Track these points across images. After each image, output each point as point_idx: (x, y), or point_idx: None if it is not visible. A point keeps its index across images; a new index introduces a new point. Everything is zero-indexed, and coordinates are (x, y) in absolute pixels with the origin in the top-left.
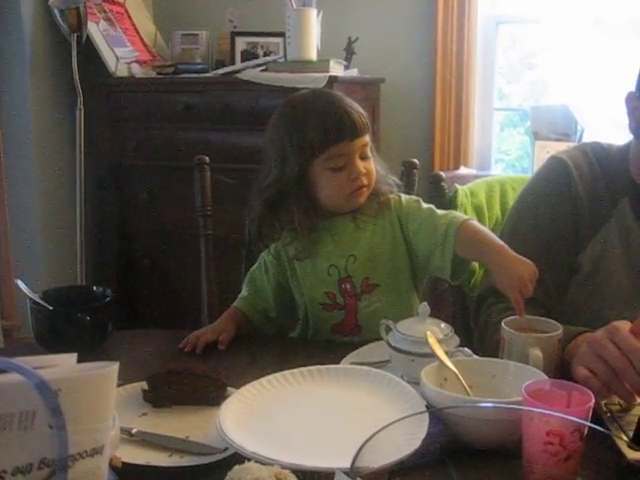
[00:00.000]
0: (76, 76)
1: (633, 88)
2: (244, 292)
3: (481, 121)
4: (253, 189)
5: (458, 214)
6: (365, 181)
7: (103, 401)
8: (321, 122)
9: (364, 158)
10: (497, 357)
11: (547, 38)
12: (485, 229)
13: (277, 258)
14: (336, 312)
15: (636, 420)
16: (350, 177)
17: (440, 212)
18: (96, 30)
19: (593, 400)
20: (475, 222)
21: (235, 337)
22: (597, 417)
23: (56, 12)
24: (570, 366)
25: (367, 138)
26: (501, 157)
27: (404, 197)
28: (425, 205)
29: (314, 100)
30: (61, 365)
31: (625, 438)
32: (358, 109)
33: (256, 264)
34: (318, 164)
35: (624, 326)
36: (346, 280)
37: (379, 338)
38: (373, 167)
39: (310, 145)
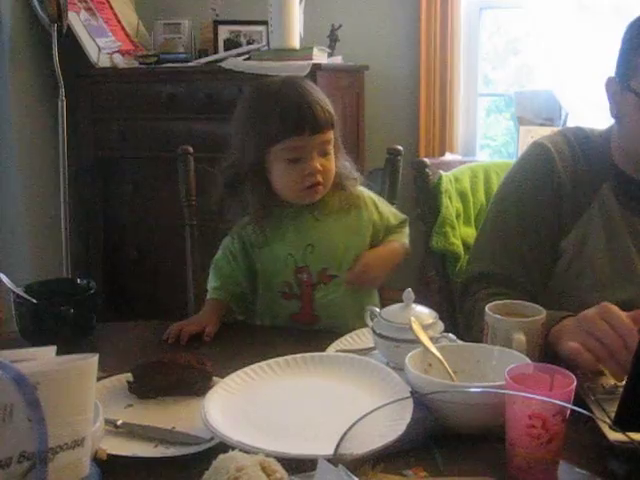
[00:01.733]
0: (57, 67)
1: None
2: (214, 283)
3: (466, 107)
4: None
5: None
6: (320, 178)
7: (83, 393)
8: (282, 111)
9: (324, 155)
10: (482, 342)
11: (531, 23)
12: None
13: (242, 244)
14: (293, 301)
15: (617, 402)
16: (304, 172)
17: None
18: (77, 20)
19: (575, 383)
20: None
21: (220, 327)
22: (579, 400)
23: (35, 2)
24: (555, 346)
25: (330, 135)
26: (487, 143)
27: (376, 198)
28: (381, 203)
29: (281, 88)
30: (40, 358)
31: (607, 420)
32: (325, 105)
33: (219, 252)
34: (274, 153)
35: (615, 307)
36: (302, 269)
37: (337, 328)
38: (332, 165)
39: (268, 133)
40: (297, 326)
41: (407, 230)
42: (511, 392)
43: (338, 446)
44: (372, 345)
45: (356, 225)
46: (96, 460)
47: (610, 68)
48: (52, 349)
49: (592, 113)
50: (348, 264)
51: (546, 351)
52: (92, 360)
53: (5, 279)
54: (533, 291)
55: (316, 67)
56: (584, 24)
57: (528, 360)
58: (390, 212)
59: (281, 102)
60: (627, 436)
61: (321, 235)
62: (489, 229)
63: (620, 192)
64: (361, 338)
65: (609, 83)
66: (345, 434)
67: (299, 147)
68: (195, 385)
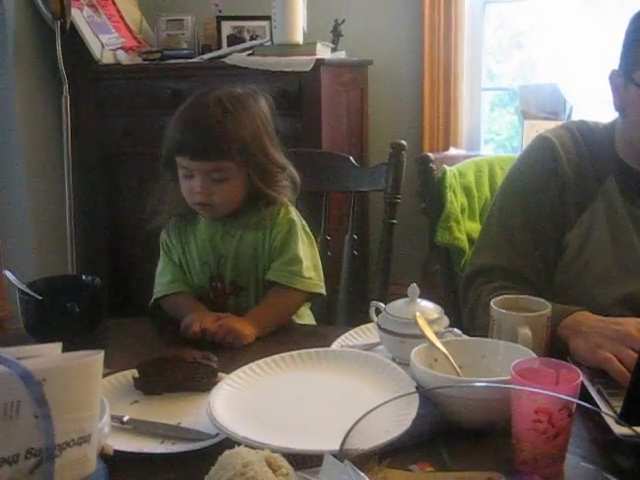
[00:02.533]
0: (61, 64)
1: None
2: (166, 277)
3: (470, 101)
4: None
5: (296, 273)
6: (204, 200)
7: (89, 390)
8: (176, 128)
9: (219, 180)
10: (487, 337)
11: (535, 17)
12: (278, 306)
13: (169, 237)
14: (209, 306)
15: (623, 396)
16: (193, 190)
17: (292, 254)
18: (80, 17)
19: (581, 378)
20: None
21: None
22: (585, 394)
23: None
24: (567, 340)
25: (221, 164)
26: (491, 137)
27: (283, 216)
28: (291, 234)
29: (192, 104)
30: (46, 355)
31: (613, 414)
32: (222, 133)
33: (161, 250)
34: (177, 162)
35: None
36: (217, 279)
37: None
38: (230, 192)
39: (169, 144)
40: None
41: (301, 273)
42: (517, 387)
43: (344, 441)
44: (377, 340)
45: (267, 243)
46: (102, 456)
47: (614, 61)
48: (58, 346)
49: (597, 107)
50: (253, 277)
51: (554, 344)
52: (98, 356)
53: (10, 276)
54: (537, 284)
55: (319, 62)
56: (588, 17)
57: (534, 355)
58: (283, 241)
59: (180, 119)
60: (633, 430)
61: (231, 249)
62: (493, 223)
63: (624, 185)
64: (366, 333)
65: (613, 76)
66: (351, 429)
67: (185, 167)
68: (201, 381)
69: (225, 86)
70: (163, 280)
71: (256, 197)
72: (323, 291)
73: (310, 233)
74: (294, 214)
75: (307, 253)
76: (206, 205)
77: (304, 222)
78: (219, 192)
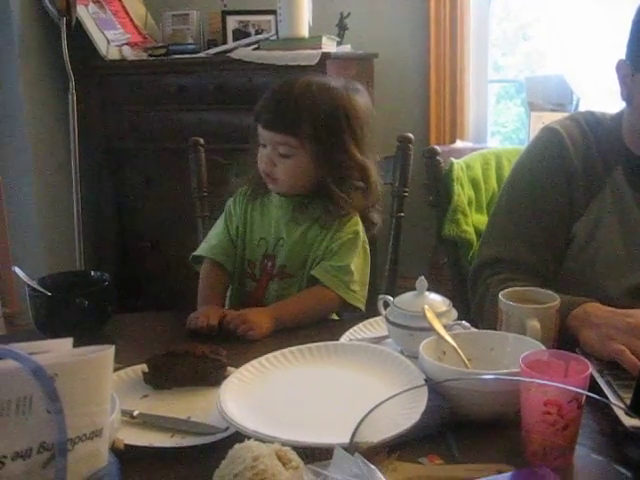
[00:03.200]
0: (67, 60)
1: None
2: (213, 240)
3: (476, 94)
4: None
5: (346, 282)
6: (268, 170)
7: (100, 384)
8: (263, 98)
9: (283, 156)
10: (496, 329)
11: (541, 8)
12: (309, 303)
13: (239, 206)
14: (249, 281)
15: (633, 388)
16: (262, 158)
17: (345, 263)
18: (85, 13)
19: (590, 369)
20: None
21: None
22: (595, 386)
23: None
24: (577, 331)
25: (284, 139)
26: (498, 129)
27: (350, 227)
28: (355, 245)
29: (286, 82)
30: (57, 350)
31: (622, 405)
32: (296, 109)
33: (222, 216)
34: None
35: None
36: (270, 257)
37: None
38: (291, 169)
39: (255, 114)
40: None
41: (349, 284)
42: (526, 379)
43: (354, 434)
44: (386, 333)
45: (326, 243)
46: (113, 450)
47: (621, 51)
48: (69, 341)
49: (604, 98)
50: (306, 271)
51: (563, 335)
52: (109, 351)
53: (20, 272)
54: (545, 275)
55: (325, 56)
56: (594, 8)
57: (542, 347)
58: (341, 249)
59: (270, 91)
60: None
61: (293, 235)
62: (501, 214)
63: (632, 175)
64: (374, 327)
65: (620, 66)
66: (361, 422)
67: (262, 135)
68: (210, 375)
69: (333, 77)
70: (209, 243)
71: (325, 194)
72: (362, 306)
73: (368, 250)
74: (360, 227)
75: (359, 268)
76: (269, 176)
77: (366, 239)
78: (282, 166)
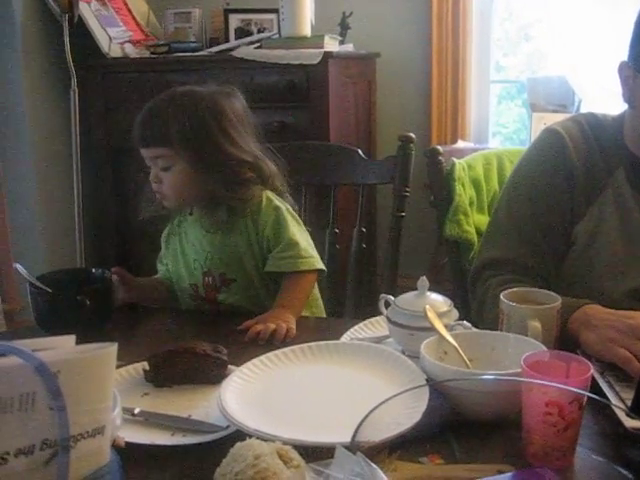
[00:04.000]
0: (69, 58)
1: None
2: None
3: (478, 94)
4: None
5: (295, 257)
6: (156, 188)
7: (103, 382)
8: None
9: (163, 168)
10: (496, 329)
11: (543, 9)
12: (299, 289)
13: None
14: (199, 303)
15: (634, 389)
16: (151, 178)
17: (286, 240)
18: (88, 10)
19: (591, 370)
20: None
21: (234, 315)
22: (596, 387)
23: None
24: (578, 334)
25: (160, 152)
26: (499, 130)
27: (265, 206)
28: (280, 221)
29: (151, 100)
30: (60, 347)
31: (623, 407)
32: (160, 120)
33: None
34: None
35: None
36: (207, 273)
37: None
38: (173, 181)
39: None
40: None
41: (299, 255)
42: (527, 380)
43: (355, 434)
44: (387, 333)
45: (243, 232)
46: (114, 448)
47: (623, 52)
48: (72, 338)
49: (606, 99)
50: (242, 268)
51: (564, 337)
52: (112, 349)
53: (21, 269)
54: (546, 277)
55: (327, 55)
56: (597, 9)
57: (544, 348)
58: (274, 230)
59: (140, 113)
60: None
61: (213, 245)
62: (502, 215)
63: (634, 177)
64: (375, 326)
65: (622, 68)
66: (362, 422)
67: (143, 155)
68: (211, 373)
69: (203, 85)
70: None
71: (220, 199)
72: (323, 267)
73: (295, 214)
74: (276, 200)
75: (299, 234)
76: (159, 194)
77: (287, 205)
78: (166, 180)
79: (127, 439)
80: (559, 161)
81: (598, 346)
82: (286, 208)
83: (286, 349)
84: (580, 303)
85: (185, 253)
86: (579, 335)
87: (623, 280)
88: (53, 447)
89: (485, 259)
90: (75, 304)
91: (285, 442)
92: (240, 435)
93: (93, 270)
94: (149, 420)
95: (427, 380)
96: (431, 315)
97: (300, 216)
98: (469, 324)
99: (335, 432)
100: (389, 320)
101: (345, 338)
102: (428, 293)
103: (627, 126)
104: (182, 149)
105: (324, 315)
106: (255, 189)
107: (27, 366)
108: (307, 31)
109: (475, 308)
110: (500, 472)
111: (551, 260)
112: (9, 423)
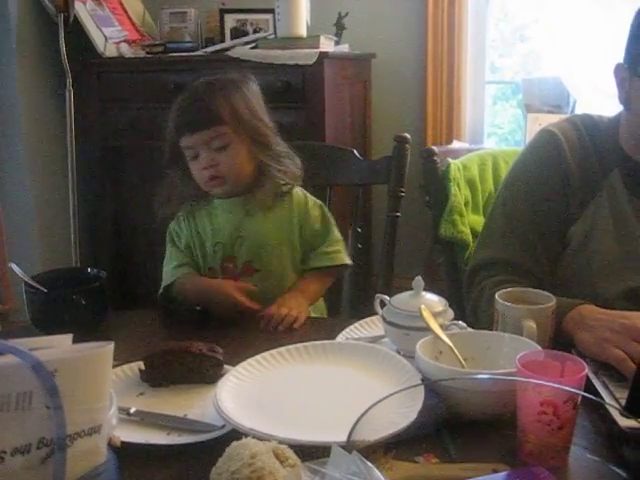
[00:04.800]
0: (64, 57)
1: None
2: (173, 264)
3: (473, 95)
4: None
5: (339, 252)
6: (214, 172)
7: (99, 381)
8: (173, 115)
9: (218, 149)
10: (491, 329)
11: (539, 10)
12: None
13: (179, 224)
14: None
15: (628, 388)
16: (200, 167)
17: (333, 236)
18: (83, 10)
19: (586, 370)
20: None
21: (230, 315)
22: (590, 387)
23: None
24: (572, 334)
25: (216, 131)
26: (494, 131)
27: (310, 200)
28: (326, 216)
29: (183, 93)
30: (57, 346)
31: (617, 406)
32: (210, 101)
33: (167, 242)
34: (182, 148)
35: None
36: (229, 259)
37: None
38: (232, 159)
39: (171, 134)
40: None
41: (342, 251)
42: (522, 379)
43: (351, 433)
44: (382, 333)
45: (286, 222)
46: (110, 447)
47: (619, 54)
48: (68, 337)
49: (601, 100)
50: (272, 259)
51: (559, 337)
52: (108, 348)
53: (16, 268)
54: (541, 277)
55: (323, 55)
56: (592, 10)
57: (538, 347)
58: (323, 224)
59: (175, 106)
60: (638, 422)
61: (251, 229)
62: (497, 216)
63: (629, 179)
64: (371, 326)
65: (618, 69)
66: (358, 421)
67: (189, 146)
68: (207, 373)
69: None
70: (169, 267)
71: (265, 174)
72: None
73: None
74: (309, 195)
75: (336, 230)
76: (216, 178)
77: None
78: (224, 160)
79: (123, 439)
80: (555, 162)
81: (593, 346)
82: (321, 204)
83: (282, 349)
84: (575, 303)
85: (201, 237)
86: (574, 335)
87: (617, 281)
88: (50, 446)
89: (481, 259)
90: (70, 304)
91: (281, 441)
92: (236, 434)
93: (88, 270)
94: (145, 420)
95: (422, 380)
96: (426, 315)
97: None
98: (464, 324)
99: (331, 431)
100: (384, 320)
101: (340, 338)
102: (423, 293)
103: (623, 128)
104: (236, 125)
105: (325, 314)
106: (291, 166)
107: (24, 365)
108: (303, 31)
109: (470, 308)
110: (495, 471)
111: (546, 261)
112: (6, 422)
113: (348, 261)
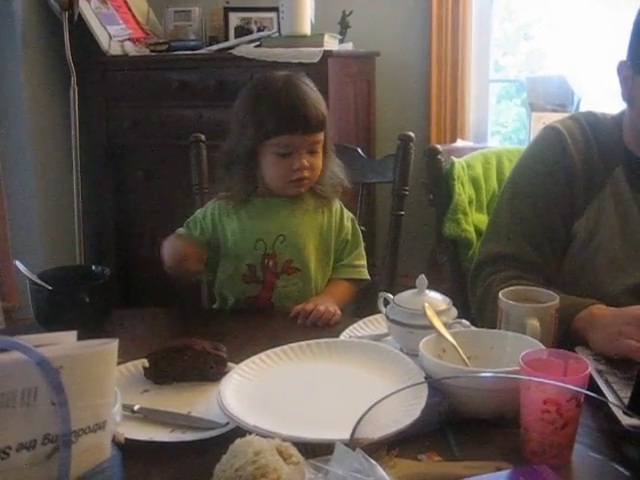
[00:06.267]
0: (69, 55)
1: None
2: (181, 230)
3: (477, 93)
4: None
5: (363, 267)
6: (307, 174)
7: (104, 377)
8: (279, 110)
9: (312, 153)
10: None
11: (543, 8)
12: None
13: (212, 217)
14: (253, 285)
15: (632, 387)
16: (292, 167)
17: (361, 250)
18: (88, 8)
19: (590, 369)
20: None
21: (233, 313)
22: (594, 385)
23: None
24: (585, 333)
25: (320, 136)
26: (498, 129)
27: (345, 212)
28: (357, 230)
29: (282, 85)
30: (62, 343)
31: (621, 405)
32: (319, 106)
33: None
34: (267, 146)
35: None
36: (271, 256)
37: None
38: (319, 163)
39: (265, 128)
40: (250, 307)
41: (365, 266)
42: (525, 377)
43: (354, 430)
44: (385, 331)
45: (325, 228)
46: (115, 444)
47: (622, 52)
48: (73, 334)
49: (605, 98)
50: (311, 260)
51: (570, 337)
52: (113, 345)
53: (21, 266)
54: (546, 273)
55: (327, 54)
56: (596, 8)
57: (542, 346)
58: (353, 238)
59: (279, 100)
60: None
61: (294, 229)
62: (502, 212)
63: (632, 175)
64: (374, 324)
65: (621, 67)
66: (361, 419)
67: (291, 144)
68: (210, 370)
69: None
70: (180, 230)
71: (329, 174)
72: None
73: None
74: (344, 208)
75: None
76: (304, 179)
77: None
78: (315, 163)
79: (127, 435)
80: (559, 158)
81: (607, 345)
82: (353, 218)
83: (285, 347)
84: (586, 303)
85: (246, 232)
86: (585, 335)
87: (621, 277)
88: (54, 442)
89: (486, 255)
90: (75, 301)
91: (285, 439)
92: (240, 432)
93: (93, 267)
94: (149, 417)
95: (426, 378)
96: (430, 313)
97: None
98: (468, 322)
99: (334, 429)
100: (388, 318)
101: (344, 336)
102: (427, 291)
103: (626, 125)
104: (326, 131)
105: None
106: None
107: (29, 361)
108: (307, 30)
109: (475, 305)
110: (498, 469)
111: (552, 256)
112: (11, 418)
113: (368, 277)
